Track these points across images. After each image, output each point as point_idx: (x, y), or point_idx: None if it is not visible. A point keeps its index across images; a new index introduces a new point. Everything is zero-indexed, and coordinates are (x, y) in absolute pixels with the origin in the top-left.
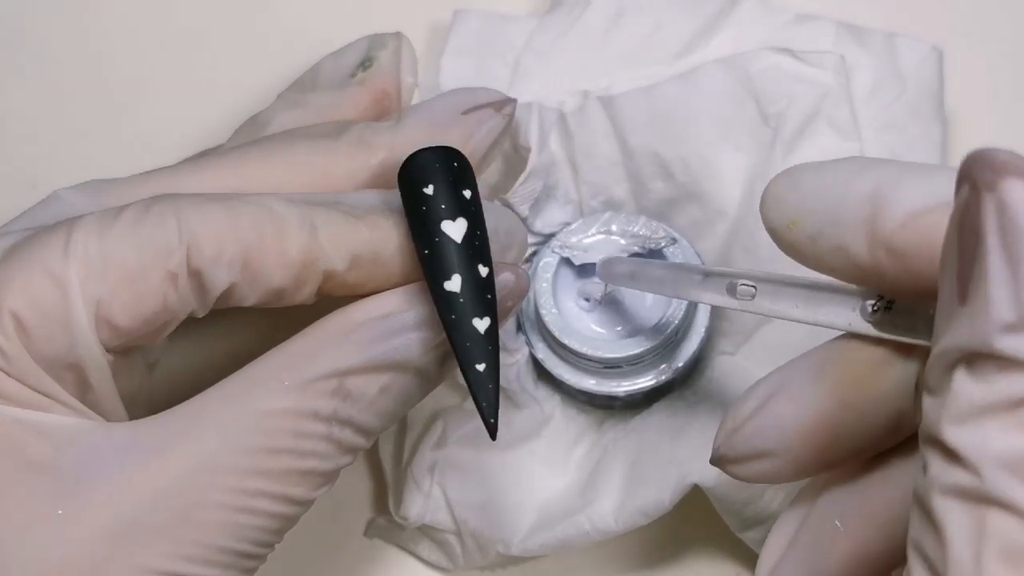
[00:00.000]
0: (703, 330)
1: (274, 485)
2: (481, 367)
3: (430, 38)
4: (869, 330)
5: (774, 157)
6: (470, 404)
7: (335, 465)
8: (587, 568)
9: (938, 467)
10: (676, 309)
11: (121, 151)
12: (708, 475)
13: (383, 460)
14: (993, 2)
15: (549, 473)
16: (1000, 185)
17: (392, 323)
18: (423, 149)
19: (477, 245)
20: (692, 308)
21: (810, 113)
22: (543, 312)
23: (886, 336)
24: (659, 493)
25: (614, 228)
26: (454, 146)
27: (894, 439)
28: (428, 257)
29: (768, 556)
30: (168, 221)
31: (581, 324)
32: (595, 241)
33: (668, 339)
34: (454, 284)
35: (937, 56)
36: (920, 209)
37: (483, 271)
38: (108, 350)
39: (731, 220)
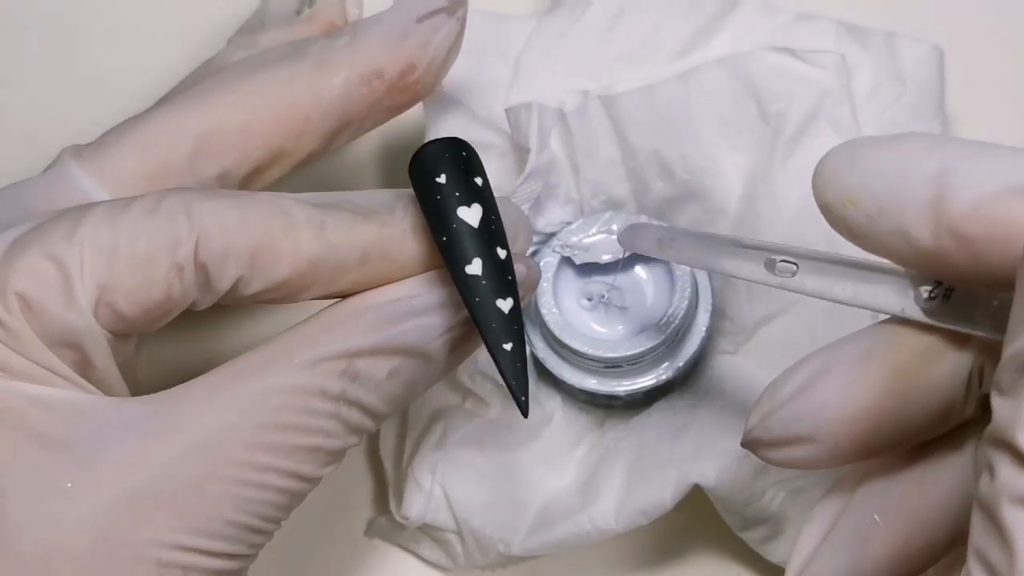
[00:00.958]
0: (704, 329)
1: (282, 460)
2: (508, 347)
3: None
4: (922, 317)
5: (774, 157)
6: (471, 404)
7: (342, 444)
8: (587, 568)
9: (1009, 473)
10: (677, 308)
11: (71, 104)
12: (708, 475)
13: (384, 460)
14: (993, 2)
15: (550, 473)
16: None
17: (402, 307)
18: (431, 142)
19: (493, 229)
20: (693, 308)
21: (810, 113)
22: (544, 311)
23: (941, 324)
24: (659, 493)
25: (615, 227)
26: (413, 54)
27: (940, 430)
28: (447, 244)
29: (802, 549)
30: (178, 214)
31: (582, 324)
32: (596, 240)
33: (669, 338)
34: (475, 268)
35: (938, 56)
36: (989, 194)
37: (501, 254)
38: (110, 333)
39: (732, 219)
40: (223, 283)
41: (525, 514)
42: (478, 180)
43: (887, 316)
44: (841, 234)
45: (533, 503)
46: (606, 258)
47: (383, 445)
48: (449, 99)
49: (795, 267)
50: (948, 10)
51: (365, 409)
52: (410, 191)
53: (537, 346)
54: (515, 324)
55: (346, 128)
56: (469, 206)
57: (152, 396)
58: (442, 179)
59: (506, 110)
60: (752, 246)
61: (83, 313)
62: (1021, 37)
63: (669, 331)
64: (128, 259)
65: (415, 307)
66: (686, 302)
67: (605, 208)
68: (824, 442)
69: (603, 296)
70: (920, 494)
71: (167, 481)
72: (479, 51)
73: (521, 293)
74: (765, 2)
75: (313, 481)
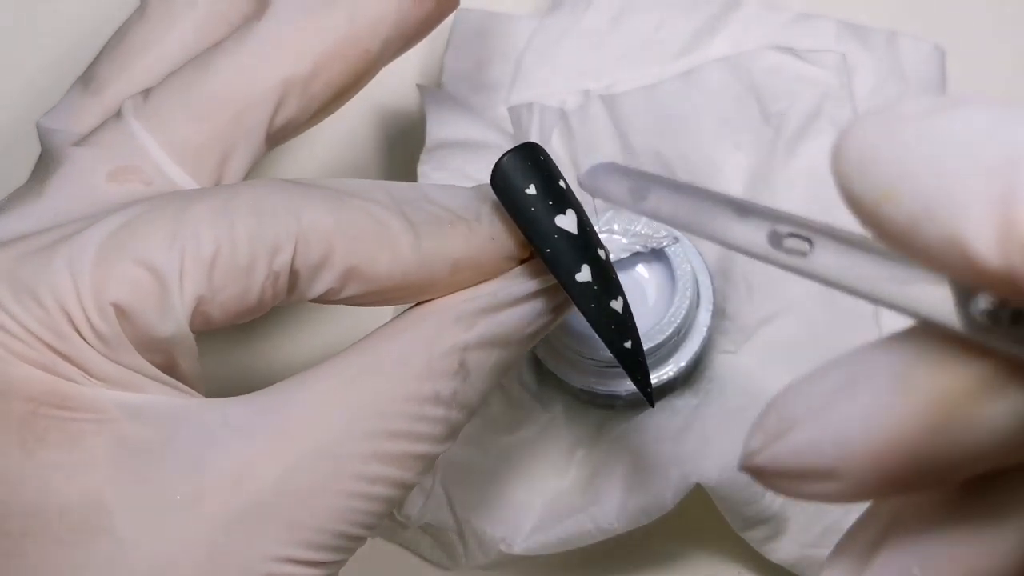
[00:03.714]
0: (705, 329)
1: (392, 470)
2: (628, 344)
3: (431, 36)
4: (979, 336)
5: (775, 156)
6: None
7: (440, 449)
8: (589, 567)
9: None
10: (678, 308)
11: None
12: (710, 474)
13: None
14: (994, 2)
15: (551, 472)
16: None
17: (499, 299)
18: (508, 153)
19: (588, 232)
20: (694, 307)
21: (812, 112)
22: None
23: (1005, 348)
24: (661, 492)
25: (616, 227)
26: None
27: (1001, 465)
28: (552, 256)
29: None
30: (281, 216)
31: (583, 323)
32: None
33: (670, 338)
34: (585, 275)
35: (939, 55)
36: None
37: (602, 254)
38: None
39: None
40: (313, 292)
41: (527, 513)
42: (562, 184)
43: (929, 323)
44: (874, 236)
45: (535, 502)
46: None
47: None
48: (450, 99)
49: (808, 244)
50: (950, 9)
51: (469, 409)
52: (487, 191)
53: (538, 346)
54: (629, 322)
55: (402, 48)
56: (564, 213)
57: (252, 398)
58: (532, 190)
59: (509, 109)
60: (757, 211)
61: (180, 324)
62: (1021, 37)
63: (670, 331)
64: (228, 268)
65: (508, 298)
66: (687, 302)
67: (605, 208)
68: (847, 479)
69: None
70: (978, 541)
71: (279, 493)
72: (480, 50)
73: None
74: (766, 1)
75: (410, 488)
